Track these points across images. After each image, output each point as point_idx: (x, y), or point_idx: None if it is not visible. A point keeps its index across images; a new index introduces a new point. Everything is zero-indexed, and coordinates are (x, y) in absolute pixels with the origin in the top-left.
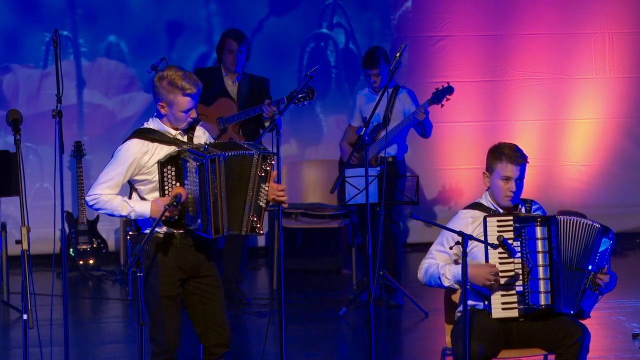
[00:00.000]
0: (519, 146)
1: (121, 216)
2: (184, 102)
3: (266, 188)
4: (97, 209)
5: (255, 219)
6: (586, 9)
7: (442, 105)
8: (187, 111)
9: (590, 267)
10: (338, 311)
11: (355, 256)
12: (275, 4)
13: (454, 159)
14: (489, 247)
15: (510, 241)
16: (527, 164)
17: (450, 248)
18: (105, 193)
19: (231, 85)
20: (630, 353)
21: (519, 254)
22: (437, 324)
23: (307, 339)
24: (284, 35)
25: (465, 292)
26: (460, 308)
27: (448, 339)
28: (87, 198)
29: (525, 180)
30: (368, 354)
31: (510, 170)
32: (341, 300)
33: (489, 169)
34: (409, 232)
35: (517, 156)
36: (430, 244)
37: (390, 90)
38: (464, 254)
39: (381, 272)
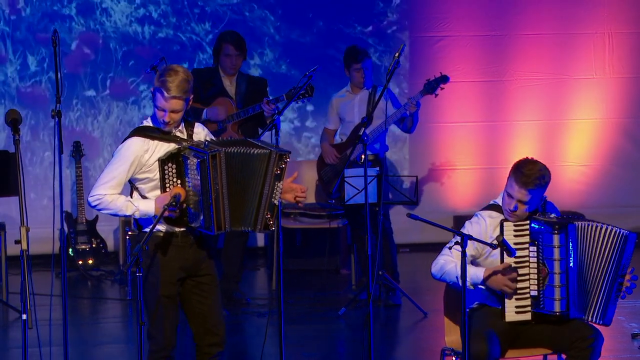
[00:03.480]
0: (544, 170)
1: (125, 216)
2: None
3: (280, 186)
4: (100, 210)
5: (268, 216)
6: (586, 9)
7: (436, 95)
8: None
9: (619, 274)
10: (337, 311)
11: (355, 256)
12: None
13: (453, 159)
14: (504, 252)
15: (525, 245)
16: (543, 189)
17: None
18: (109, 193)
19: (229, 85)
20: (629, 353)
21: (534, 258)
22: (436, 324)
23: (306, 339)
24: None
25: (464, 293)
26: (472, 306)
27: (447, 339)
28: (89, 199)
29: None
30: (367, 354)
31: (515, 190)
32: (340, 300)
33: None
34: (409, 232)
35: (528, 181)
36: (430, 244)
37: (369, 90)
38: (463, 254)
39: (380, 272)
